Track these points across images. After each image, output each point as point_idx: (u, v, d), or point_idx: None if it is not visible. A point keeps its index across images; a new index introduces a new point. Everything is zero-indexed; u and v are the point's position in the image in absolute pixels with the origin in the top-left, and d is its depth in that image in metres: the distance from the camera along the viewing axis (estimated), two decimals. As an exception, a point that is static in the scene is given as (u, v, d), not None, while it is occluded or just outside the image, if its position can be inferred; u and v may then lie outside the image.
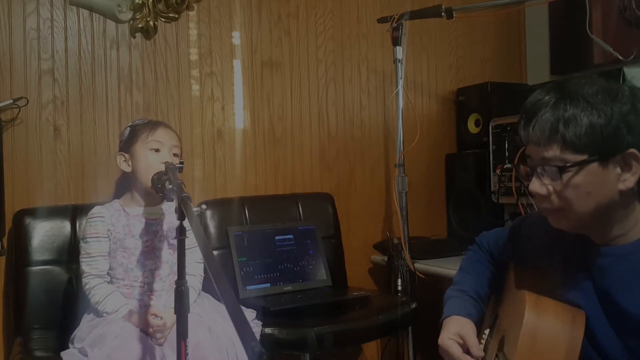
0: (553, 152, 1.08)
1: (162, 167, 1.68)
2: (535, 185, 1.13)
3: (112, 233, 1.82)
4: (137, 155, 1.85)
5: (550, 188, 1.11)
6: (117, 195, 1.96)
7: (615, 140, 1.06)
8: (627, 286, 1.11)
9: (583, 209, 1.10)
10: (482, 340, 1.37)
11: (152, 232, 1.84)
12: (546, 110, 1.09)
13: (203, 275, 1.91)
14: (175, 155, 1.86)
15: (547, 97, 1.10)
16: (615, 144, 1.06)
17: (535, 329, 1.14)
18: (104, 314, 1.73)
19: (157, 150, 1.84)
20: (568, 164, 1.07)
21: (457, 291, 1.43)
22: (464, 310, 1.36)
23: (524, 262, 1.36)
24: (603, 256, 1.15)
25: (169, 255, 1.84)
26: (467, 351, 1.28)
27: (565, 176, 1.07)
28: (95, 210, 1.86)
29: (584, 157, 1.06)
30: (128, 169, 1.88)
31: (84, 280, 1.80)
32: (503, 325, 1.31)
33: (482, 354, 1.28)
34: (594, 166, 1.07)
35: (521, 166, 1.21)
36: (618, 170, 1.08)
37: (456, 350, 1.28)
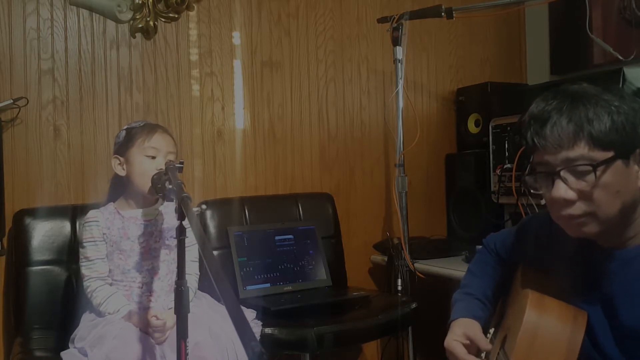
0: (580, 150, 1.05)
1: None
2: (560, 190, 1.07)
3: (108, 236, 1.82)
4: (132, 160, 1.83)
5: (577, 192, 1.07)
6: (111, 197, 1.95)
7: (634, 136, 1.06)
8: (629, 293, 1.10)
9: (612, 210, 1.07)
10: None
11: (147, 233, 1.84)
12: (562, 112, 1.06)
13: (198, 273, 1.91)
14: (169, 161, 1.85)
15: (555, 102, 1.08)
16: (634, 140, 1.06)
17: (536, 327, 1.14)
18: (107, 314, 1.73)
19: (152, 157, 1.82)
20: (599, 162, 1.04)
21: (464, 294, 1.43)
22: (470, 313, 1.36)
23: (530, 262, 1.35)
24: (609, 260, 1.13)
25: (165, 255, 1.84)
26: (475, 350, 1.28)
27: (598, 175, 1.04)
28: (90, 214, 1.85)
29: (611, 154, 1.05)
30: (122, 173, 1.86)
31: (85, 283, 1.80)
32: (507, 323, 1.32)
33: (489, 347, 1.28)
34: (619, 163, 1.06)
35: (530, 177, 1.14)
36: (636, 167, 1.08)
37: (460, 351, 1.27)
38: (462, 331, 1.31)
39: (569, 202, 1.08)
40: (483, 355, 1.32)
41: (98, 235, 1.82)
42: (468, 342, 1.29)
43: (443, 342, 1.33)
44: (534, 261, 1.33)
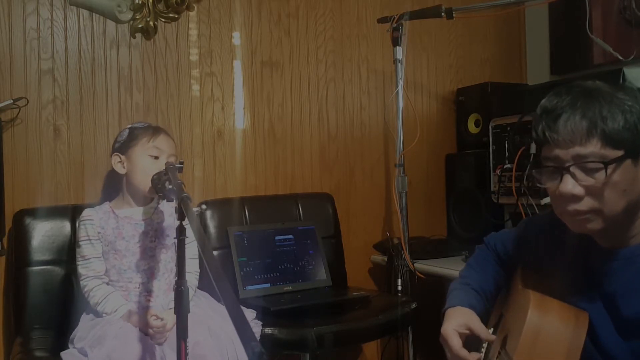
0: (592, 147, 1.05)
1: None
2: (568, 186, 1.07)
3: (103, 236, 1.82)
4: (134, 158, 1.84)
5: (585, 188, 1.07)
6: (107, 196, 1.95)
7: None
8: (632, 290, 1.11)
9: (617, 208, 1.08)
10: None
11: (142, 232, 1.83)
12: (575, 108, 1.06)
13: (198, 271, 1.91)
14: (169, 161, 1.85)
15: (569, 97, 1.08)
16: None
17: (538, 328, 1.14)
18: (104, 315, 1.73)
19: (156, 158, 1.83)
20: (610, 159, 1.04)
21: (461, 284, 1.42)
22: (467, 302, 1.34)
23: (530, 264, 1.35)
24: (611, 259, 1.14)
25: (162, 255, 1.84)
26: (475, 340, 1.27)
27: (608, 172, 1.04)
28: (85, 213, 1.86)
29: (621, 152, 1.05)
30: (122, 171, 1.87)
31: (82, 283, 1.80)
32: (507, 324, 1.32)
33: (492, 337, 1.27)
34: (628, 163, 1.06)
35: (537, 171, 1.14)
36: None
37: (456, 343, 1.25)
38: (462, 321, 1.28)
39: (576, 198, 1.08)
40: (484, 346, 1.32)
41: (93, 234, 1.82)
42: (468, 332, 1.28)
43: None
44: (534, 262, 1.34)
